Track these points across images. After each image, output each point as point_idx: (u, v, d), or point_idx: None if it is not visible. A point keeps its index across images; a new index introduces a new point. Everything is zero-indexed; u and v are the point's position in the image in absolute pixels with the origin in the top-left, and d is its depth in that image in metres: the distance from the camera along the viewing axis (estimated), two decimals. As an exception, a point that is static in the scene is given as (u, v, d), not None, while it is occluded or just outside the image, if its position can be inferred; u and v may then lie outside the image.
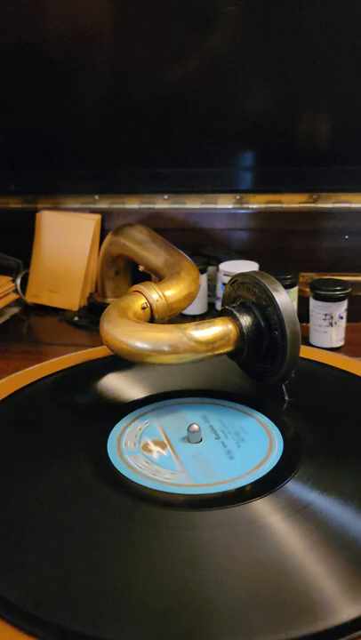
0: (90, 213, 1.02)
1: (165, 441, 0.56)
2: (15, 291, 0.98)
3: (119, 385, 0.66)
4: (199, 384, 0.65)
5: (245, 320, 0.59)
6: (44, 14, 0.94)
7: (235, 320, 0.59)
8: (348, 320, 0.81)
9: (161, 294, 0.67)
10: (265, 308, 0.58)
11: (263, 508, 0.46)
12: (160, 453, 0.54)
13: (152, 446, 0.55)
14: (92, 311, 0.94)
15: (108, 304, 0.65)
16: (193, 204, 1.01)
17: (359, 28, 0.87)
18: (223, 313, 0.61)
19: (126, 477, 0.51)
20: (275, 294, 0.57)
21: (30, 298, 1.00)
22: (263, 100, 0.95)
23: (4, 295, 0.94)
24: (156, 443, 0.55)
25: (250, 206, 1.00)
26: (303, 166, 0.97)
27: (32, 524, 0.46)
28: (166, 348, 0.56)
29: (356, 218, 0.96)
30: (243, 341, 0.59)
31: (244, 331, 0.58)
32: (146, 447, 0.55)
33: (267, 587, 0.40)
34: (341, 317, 0.79)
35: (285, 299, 0.57)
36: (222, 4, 0.88)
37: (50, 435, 0.58)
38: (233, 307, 0.60)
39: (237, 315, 0.59)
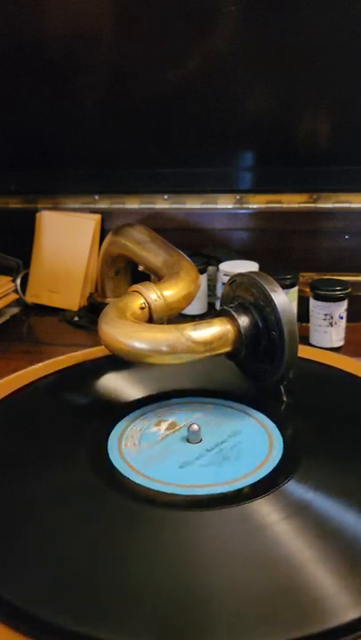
0: (90, 213, 1.02)
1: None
2: (15, 291, 0.98)
3: (119, 385, 0.66)
4: (198, 384, 0.65)
5: (243, 320, 0.59)
6: (44, 14, 0.94)
7: (233, 320, 0.59)
8: (348, 320, 0.81)
9: (159, 294, 0.67)
10: (263, 308, 0.58)
11: (263, 509, 0.46)
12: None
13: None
14: (92, 311, 0.94)
15: (107, 304, 0.65)
16: (193, 204, 1.01)
17: (359, 28, 0.87)
18: (221, 313, 0.61)
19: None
20: (272, 295, 0.57)
21: (30, 298, 1.00)
22: (263, 100, 0.95)
23: (4, 295, 0.94)
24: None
25: (250, 206, 1.00)
26: (303, 166, 0.97)
27: (32, 524, 0.46)
28: (164, 349, 0.56)
29: (356, 218, 0.96)
30: (241, 342, 0.59)
31: (242, 331, 0.58)
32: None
33: (267, 587, 0.40)
34: (341, 317, 0.79)
35: (283, 299, 0.57)
36: (222, 3, 0.88)
37: (50, 435, 0.58)
38: (231, 307, 0.60)
39: (235, 315, 0.59)
